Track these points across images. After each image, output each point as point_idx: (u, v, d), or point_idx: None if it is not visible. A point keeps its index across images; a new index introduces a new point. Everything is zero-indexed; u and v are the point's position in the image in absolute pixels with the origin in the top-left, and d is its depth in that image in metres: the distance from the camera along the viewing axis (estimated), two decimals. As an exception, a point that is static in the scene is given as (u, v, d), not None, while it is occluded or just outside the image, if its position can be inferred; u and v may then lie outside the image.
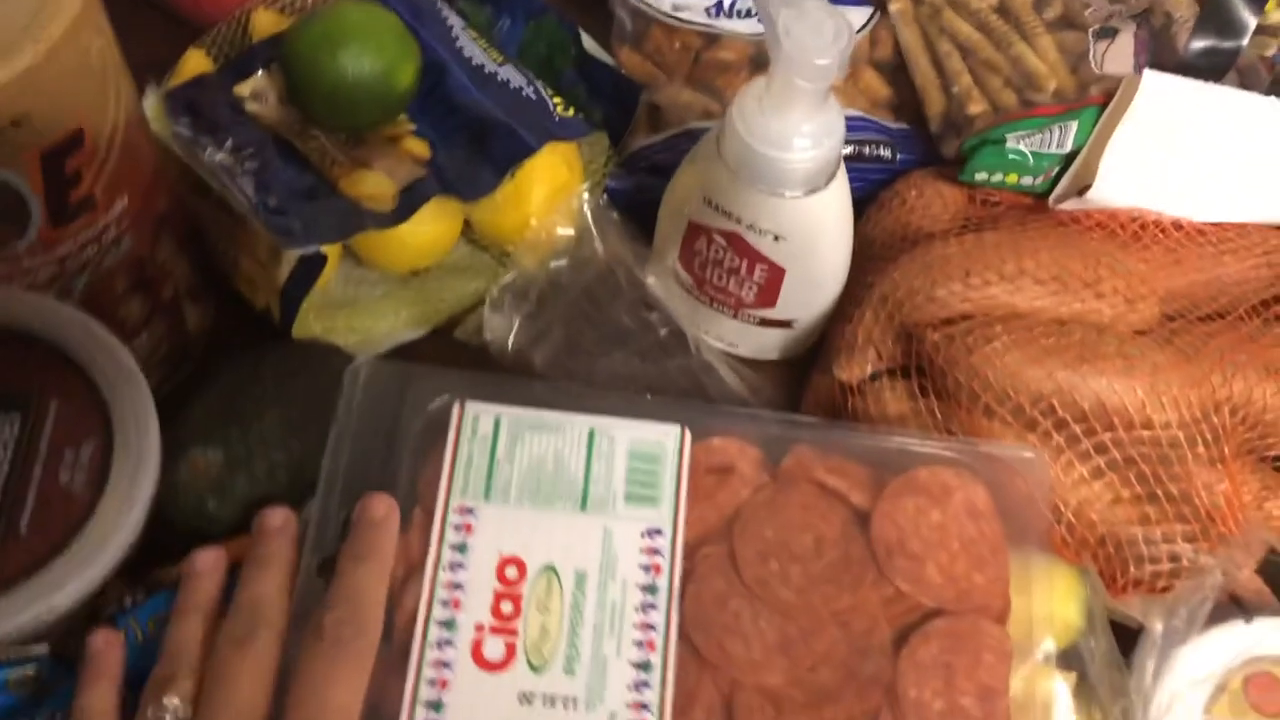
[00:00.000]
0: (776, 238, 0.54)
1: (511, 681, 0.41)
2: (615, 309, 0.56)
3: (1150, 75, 0.55)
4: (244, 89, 0.61)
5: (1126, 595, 0.50)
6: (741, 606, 0.45)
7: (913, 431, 0.51)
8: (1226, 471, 0.52)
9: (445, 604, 0.42)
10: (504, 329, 0.56)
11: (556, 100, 0.61)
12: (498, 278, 0.61)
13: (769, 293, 0.57)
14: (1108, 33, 0.61)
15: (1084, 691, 0.48)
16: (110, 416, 0.45)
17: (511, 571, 0.43)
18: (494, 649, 0.42)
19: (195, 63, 0.62)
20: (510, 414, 0.46)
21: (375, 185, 0.57)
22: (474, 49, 0.62)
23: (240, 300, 0.60)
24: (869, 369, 0.55)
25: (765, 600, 0.45)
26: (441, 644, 0.42)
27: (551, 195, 0.60)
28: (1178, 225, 0.58)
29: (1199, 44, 0.58)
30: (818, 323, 0.60)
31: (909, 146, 0.63)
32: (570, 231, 0.59)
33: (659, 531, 0.45)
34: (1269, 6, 0.64)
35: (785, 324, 0.59)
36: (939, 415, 0.53)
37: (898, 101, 0.65)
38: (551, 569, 0.44)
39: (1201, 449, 0.51)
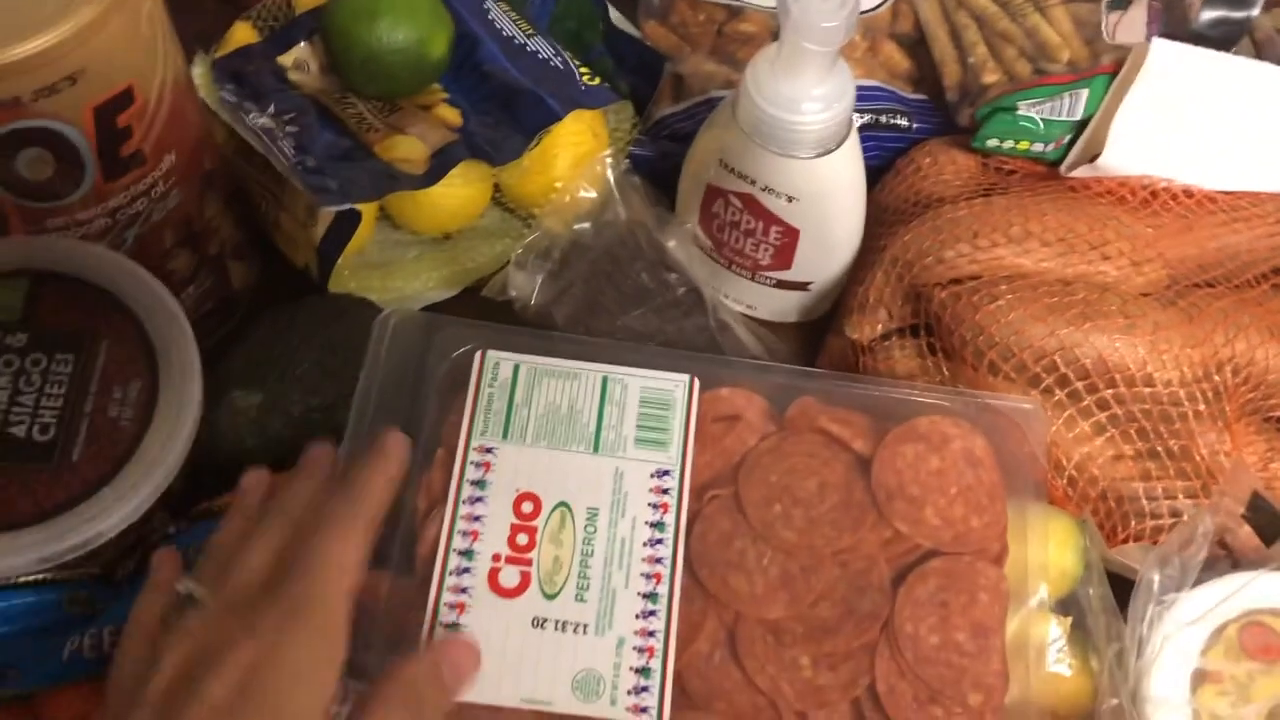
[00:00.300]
0: (790, 199, 0.56)
1: (526, 607, 0.44)
2: (635, 270, 0.59)
3: (1159, 43, 0.57)
4: (287, 59, 0.64)
5: (1124, 546, 0.51)
6: (746, 545, 0.47)
7: (915, 384, 0.53)
8: (1229, 431, 0.53)
9: (465, 535, 0.45)
10: (528, 287, 0.58)
11: (583, 70, 0.63)
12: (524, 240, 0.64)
13: (785, 254, 0.59)
14: (1121, 4, 0.62)
15: (1079, 636, 0.49)
16: (156, 358, 0.48)
17: (527, 506, 0.46)
18: (509, 577, 0.44)
19: (242, 34, 0.65)
20: (529, 362, 0.49)
21: (409, 149, 0.59)
22: (505, 21, 0.65)
23: (282, 259, 0.63)
24: (880, 328, 0.57)
25: (769, 540, 0.47)
26: (460, 571, 0.44)
27: (577, 161, 0.62)
28: (1188, 192, 0.59)
29: (1209, 14, 0.59)
30: (833, 285, 0.61)
31: (926, 116, 0.65)
32: (594, 195, 0.61)
33: (667, 472, 0.47)
34: (1286, -21, 0.65)
35: (802, 286, 0.61)
36: (946, 373, 0.55)
37: (917, 74, 0.67)
38: (565, 505, 0.46)
39: (1203, 407, 0.52)
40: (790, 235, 0.58)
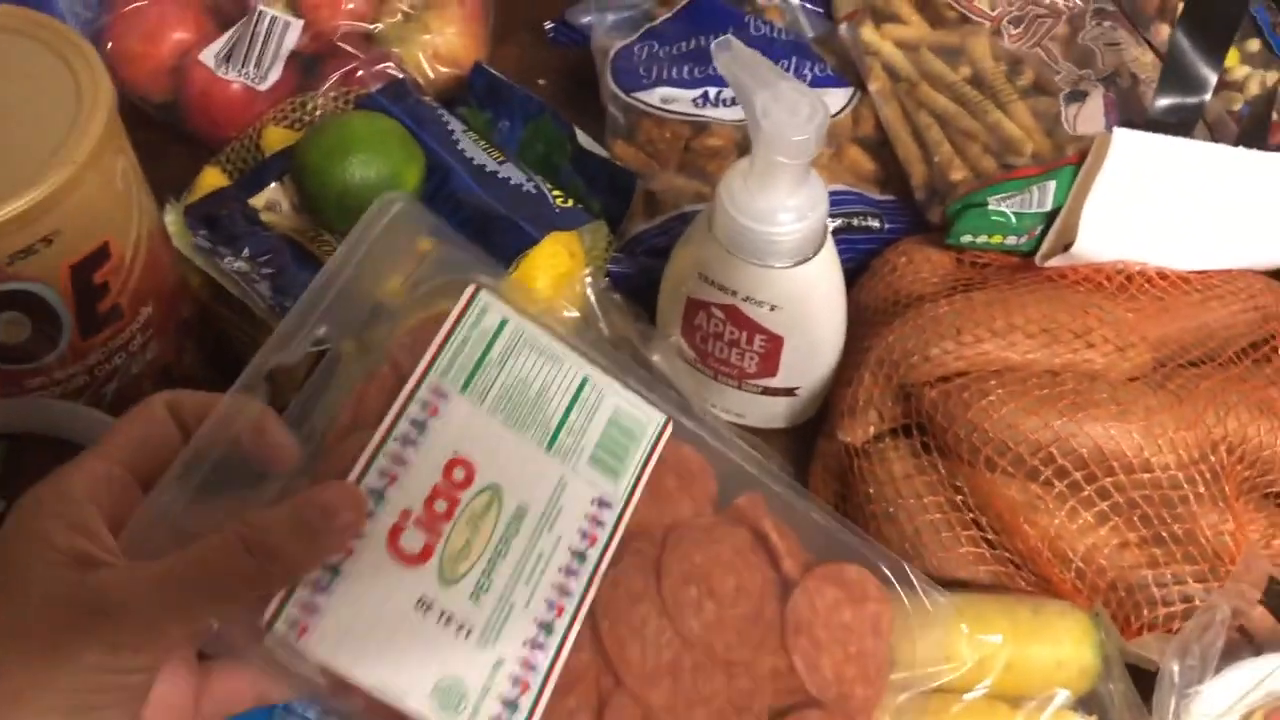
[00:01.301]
0: (772, 307, 0.56)
1: (417, 582, 0.38)
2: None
3: (1121, 132, 0.58)
4: (258, 200, 0.64)
5: (1140, 637, 0.50)
6: (650, 614, 0.43)
7: (861, 533, 0.49)
8: (1230, 511, 0.53)
9: (382, 474, 0.39)
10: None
11: (556, 193, 0.64)
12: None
13: (770, 361, 0.59)
14: (1078, 96, 0.63)
15: (1105, 734, 0.48)
16: None
17: (459, 473, 0.40)
18: (412, 541, 0.39)
19: (211, 178, 0.66)
20: (517, 322, 0.44)
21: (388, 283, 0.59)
22: (475, 150, 0.65)
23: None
24: (872, 430, 0.57)
25: (674, 620, 0.43)
26: None
27: (556, 282, 0.62)
28: (1162, 275, 0.59)
29: (1164, 101, 0.60)
30: (820, 389, 0.61)
31: (896, 216, 0.66)
32: (576, 314, 0.61)
33: (608, 505, 0.43)
34: (1231, 62, 0.67)
35: (788, 392, 0.61)
36: (943, 471, 0.55)
37: (883, 175, 0.68)
38: (497, 490, 0.41)
39: (1202, 489, 0.52)
40: (774, 342, 0.58)
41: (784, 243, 0.54)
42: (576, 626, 0.40)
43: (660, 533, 0.44)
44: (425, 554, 0.39)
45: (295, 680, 0.37)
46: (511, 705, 0.38)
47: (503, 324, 0.43)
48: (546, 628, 0.40)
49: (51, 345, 0.48)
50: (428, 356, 0.41)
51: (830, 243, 0.56)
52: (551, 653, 0.40)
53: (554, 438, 0.43)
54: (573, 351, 0.44)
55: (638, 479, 0.44)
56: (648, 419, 0.45)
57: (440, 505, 0.39)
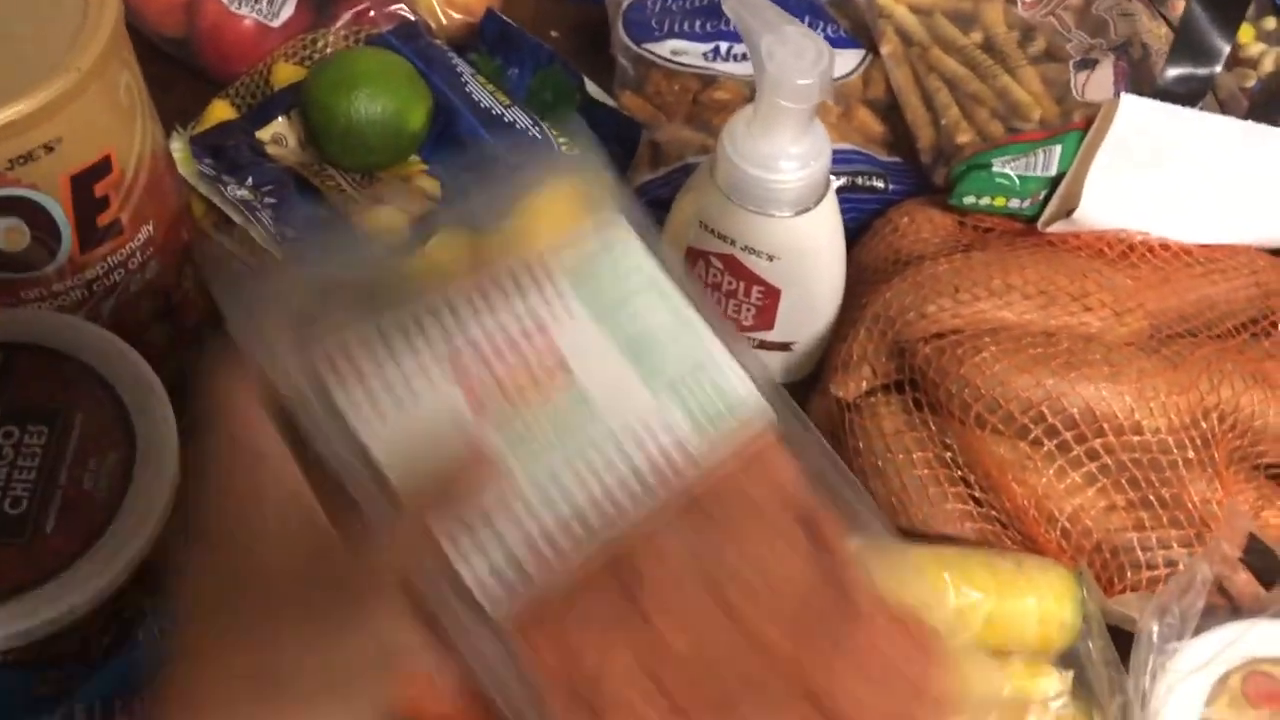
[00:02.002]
0: (771, 258, 0.56)
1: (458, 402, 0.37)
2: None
3: (1128, 99, 0.58)
4: (265, 133, 0.65)
5: (1122, 596, 0.51)
6: (693, 578, 0.38)
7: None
8: (1219, 479, 0.53)
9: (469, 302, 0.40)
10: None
11: (561, 140, 0.64)
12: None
13: (766, 314, 0.59)
14: (1088, 64, 0.63)
15: (1082, 690, 0.48)
16: (134, 429, 0.47)
17: (539, 341, 0.40)
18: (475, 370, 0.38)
19: (220, 111, 0.66)
20: (652, 271, 0.43)
21: (389, 219, 0.59)
22: (483, 93, 0.65)
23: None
24: (864, 385, 0.57)
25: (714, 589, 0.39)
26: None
27: (558, 229, 0.62)
28: (1164, 245, 0.59)
29: (1174, 71, 0.60)
30: (816, 345, 0.61)
31: (901, 178, 0.66)
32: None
33: (687, 452, 0.40)
34: (1246, 39, 0.67)
35: (784, 346, 0.61)
36: (933, 428, 0.55)
37: (891, 138, 0.68)
38: (573, 379, 0.39)
39: (1192, 454, 0.52)
40: (772, 295, 0.58)
41: (785, 190, 0.54)
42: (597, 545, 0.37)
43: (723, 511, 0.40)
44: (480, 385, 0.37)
45: None
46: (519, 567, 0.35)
47: (638, 266, 0.43)
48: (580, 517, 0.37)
49: (50, 256, 0.48)
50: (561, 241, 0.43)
51: (832, 195, 0.56)
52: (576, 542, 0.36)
53: (658, 378, 0.40)
54: (699, 318, 0.42)
55: (724, 450, 0.40)
56: (753, 402, 0.41)
57: (512, 359, 0.38)
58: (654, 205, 0.65)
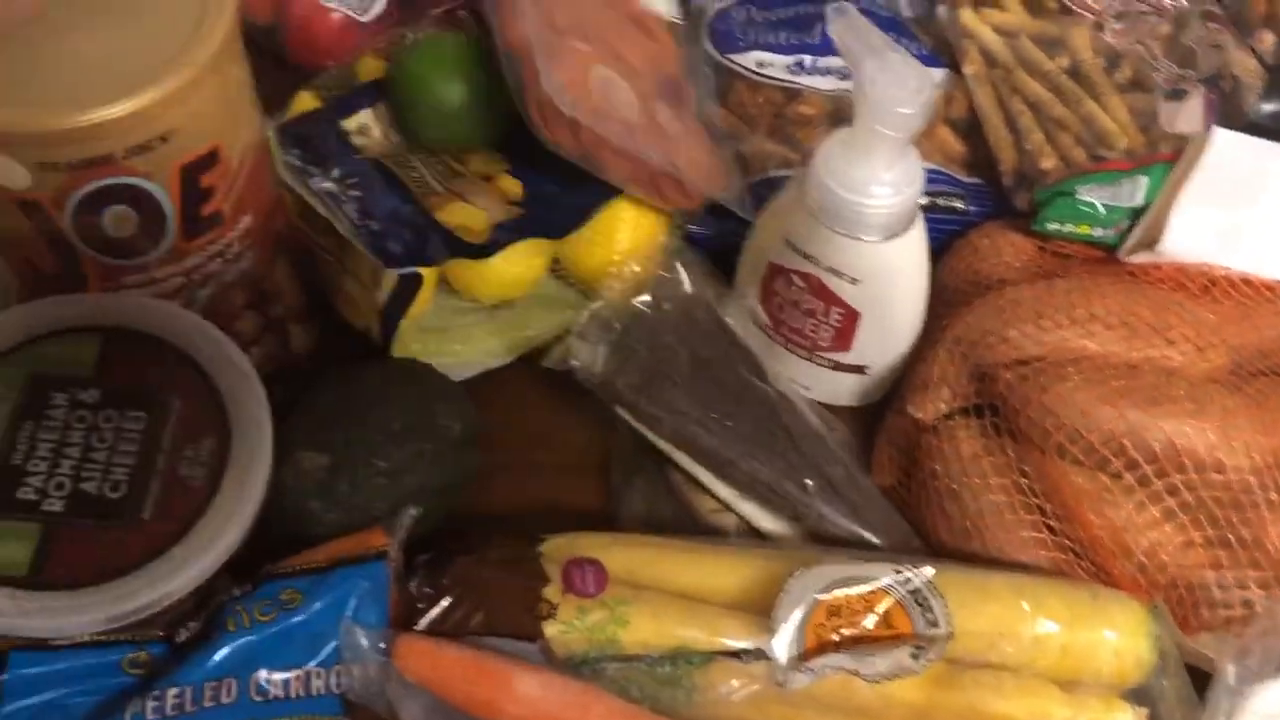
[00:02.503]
0: (854, 281, 0.56)
1: None
2: (697, 343, 0.59)
3: (1221, 133, 0.58)
4: (350, 123, 0.65)
5: (1198, 635, 0.51)
6: None
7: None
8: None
9: None
10: (590, 357, 0.58)
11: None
12: (581, 311, 0.64)
13: (844, 336, 0.59)
14: (1177, 94, 0.63)
15: (1155, 728, 0.49)
16: (228, 417, 0.48)
17: None
18: None
19: (305, 102, 0.66)
20: None
21: (470, 217, 0.60)
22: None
23: (336, 324, 0.63)
24: (943, 407, 0.57)
25: None
26: None
27: (637, 236, 0.63)
28: (1247, 281, 0.59)
29: (1269, 106, 0.60)
30: (891, 370, 0.61)
31: (981, 199, 0.66)
32: (655, 270, 0.62)
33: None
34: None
35: (858, 369, 0.61)
36: (1011, 454, 0.55)
37: (971, 158, 0.68)
38: None
39: (1274, 495, 0.52)
40: (851, 318, 0.58)
41: (874, 216, 0.54)
42: None
43: None
44: None
45: None
46: None
47: None
48: None
49: (154, 244, 0.49)
50: None
51: (920, 223, 0.56)
52: None
53: None
54: None
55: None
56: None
57: None
58: (734, 217, 0.65)
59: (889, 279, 0.57)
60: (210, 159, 0.48)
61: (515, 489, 0.60)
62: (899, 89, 0.50)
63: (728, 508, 0.56)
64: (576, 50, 0.60)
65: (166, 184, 0.47)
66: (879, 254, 0.55)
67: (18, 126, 0.43)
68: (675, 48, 0.66)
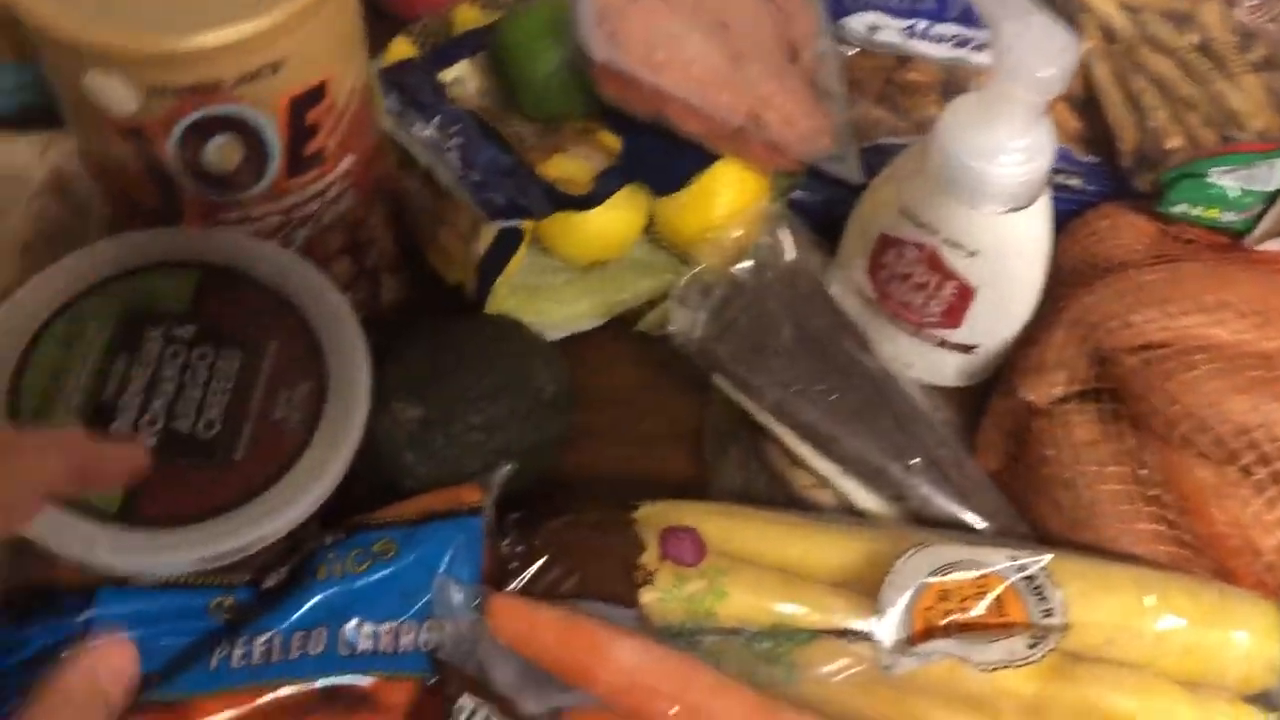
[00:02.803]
0: (972, 254, 0.54)
1: None
2: (801, 313, 0.56)
3: (1367, 117, 0.55)
4: (447, 75, 0.63)
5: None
6: None
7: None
8: None
9: None
10: (689, 322, 0.56)
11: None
12: (676, 276, 0.62)
13: (956, 313, 0.57)
14: (1316, 76, 0.60)
15: (1282, 734, 0.46)
16: (325, 361, 0.47)
17: None
18: None
19: (401, 48, 0.65)
20: None
21: (572, 169, 0.58)
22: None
23: (425, 277, 0.61)
24: (1058, 390, 0.54)
25: None
26: None
27: (739, 200, 0.61)
28: (1381, 274, 0.56)
29: None
30: (1000, 351, 0.59)
31: (1097, 179, 0.63)
32: (756, 236, 0.59)
33: None
34: None
35: (966, 348, 0.59)
36: (1129, 442, 0.52)
37: (1088, 135, 0.65)
38: None
39: None
40: (966, 293, 0.55)
41: (1001, 185, 0.51)
42: None
43: None
44: None
45: None
46: None
47: None
48: None
49: (256, 179, 0.47)
50: None
51: (1047, 197, 0.54)
52: None
53: None
54: None
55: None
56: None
57: None
58: (839, 183, 0.63)
59: (1010, 254, 0.54)
60: (318, 93, 0.46)
61: (603, 454, 0.58)
62: (1041, 51, 0.47)
63: (826, 484, 0.54)
64: (646, 7, 0.58)
65: (273, 116, 0.45)
66: (1001, 227, 0.53)
67: (130, 46, 0.41)
68: (806, 9, 0.64)
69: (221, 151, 0.45)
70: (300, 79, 0.45)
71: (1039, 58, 0.47)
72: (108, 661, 0.40)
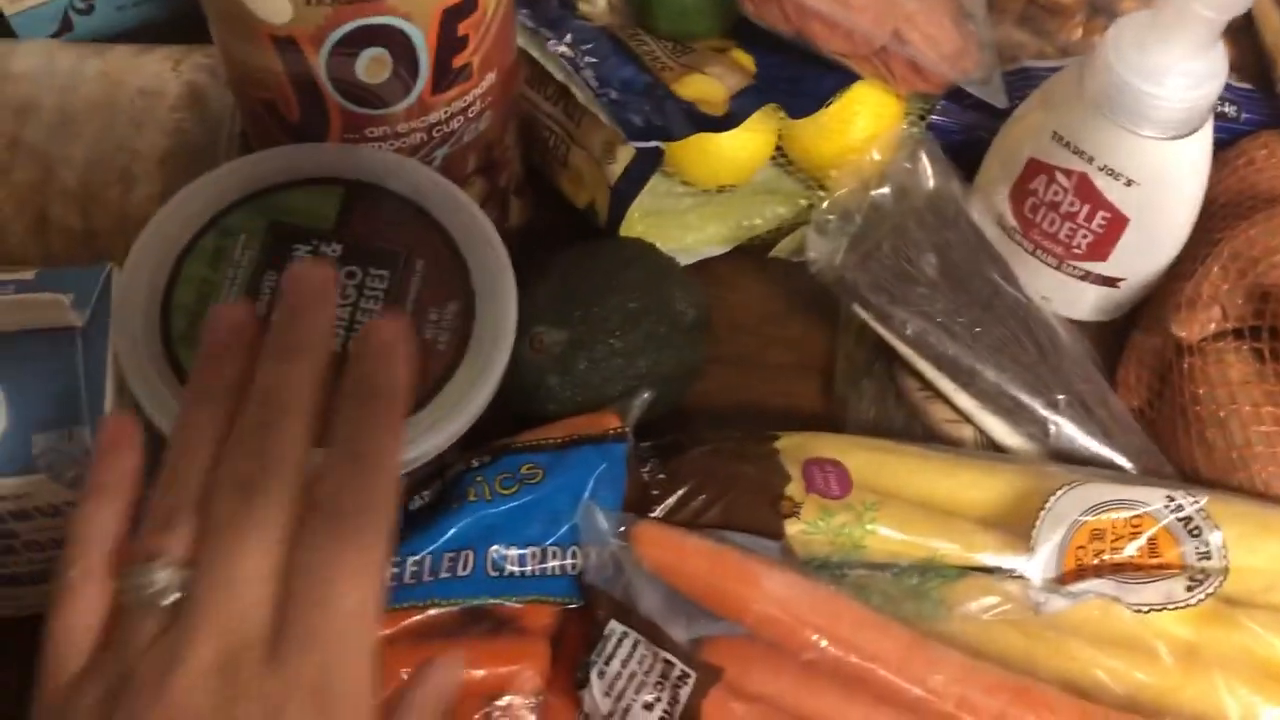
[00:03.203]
0: (1129, 182, 0.52)
1: None
2: (944, 242, 0.55)
3: None
4: (575, -9, 0.61)
5: None
6: None
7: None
8: None
9: None
10: (828, 250, 0.55)
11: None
12: (808, 201, 0.61)
13: (1104, 244, 0.55)
14: None
15: None
16: (472, 282, 0.46)
17: None
18: None
19: (523, -36, 0.63)
20: None
21: (708, 89, 0.56)
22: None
23: (549, 200, 0.60)
24: (1212, 327, 0.52)
25: None
26: None
27: (877, 123, 0.59)
28: None
29: None
30: (1145, 285, 0.57)
31: (1253, 107, 0.60)
32: (895, 161, 0.58)
33: None
34: None
35: (1110, 281, 0.56)
36: (1287, 382, 0.50)
37: (1240, 62, 0.62)
38: None
39: None
40: (1117, 224, 0.53)
41: (1170, 109, 0.49)
42: None
43: None
44: None
45: None
46: None
47: None
48: None
49: (404, 93, 0.46)
50: None
51: (1209, 126, 0.51)
52: None
53: None
54: None
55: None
56: None
57: None
58: (978, 108, 0.60)
59: (1170, 183, 0.52)
60: (471, 4, 0.45)
61: (734, 385, 0.57)
62: (1226, -34, 0.45)
63: (967, 419, 0.53)
64: None
65: (426, 27, 0.44)
66: (1163, 153, 0.50)
67: (290, -47, 0.40)
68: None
69: (372, 64, 0.44)
70: (455, -12, 0.44)
71: (1223, -27, 0.45)
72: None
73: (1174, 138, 0.50)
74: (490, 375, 0.44)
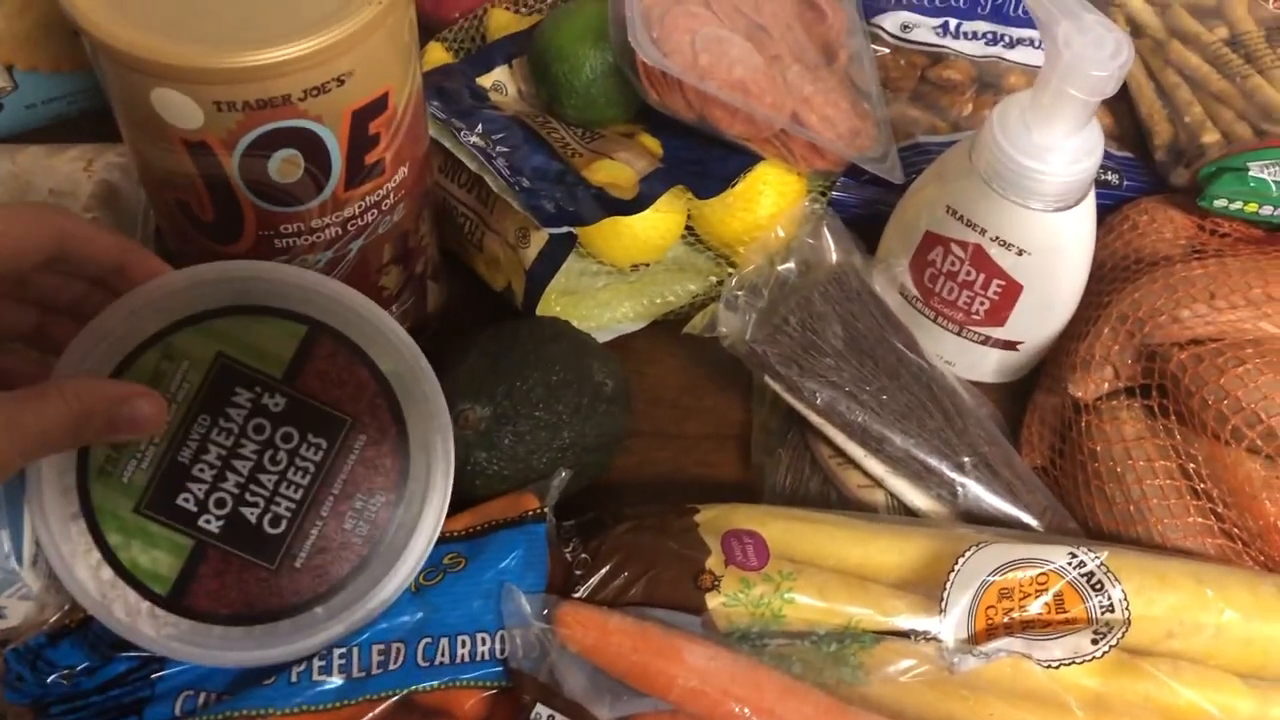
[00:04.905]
0: (1021, 252, 0.54)
1: None
2: (849, 313, 0.57)
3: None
4: (485, 80, 0.63)
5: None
6: None
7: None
8: None
9: None
10: (739, 325, 0.57)
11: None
12: (718, 277, 0.63)
13: (1001, 310, 0.57)
14: (1350, 70, 0.61)
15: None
16: (409, 471, 0.45)
17: None
18: None
19: (436, 54, 0.65)
20: None
21: (617, 173, 0.58)
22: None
23: (466, 282, 0.61)
24: (1105, 386, 0.55)
25: None
26: None
27: (780, 201, 0.61)
28: None
29: None
30: (1041, 347, 0.59)
31: (1134, 174, 0.64)
32: (798, 236, 0.60)
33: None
34: None
35: (1009, 345, 0.59)
36: (1178, 437, 0.53)
37: (1119, 131, 0.66)
38: None
39: None
40: (1012, 290, 0.56)
41: (1052, 184, 0.52)
42: None
43: None
44: None
45: None
46: None
47: None
48: None
49: (317, 191, 0.47)
50: None
51: (1091, 196, 0.54)
52: None
53: None
54: None
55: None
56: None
57: None
58: (877, 183, 0.63)
59: (1059, 251, 0.54)
60: (380, 104, 0.46)
61: (655, 457, 0.58)
62: (1096, 50, 0.48)
63: (878, 484, 0.55)
64: (689, 10, 0.58)
65: (337, 128, 0.45)
66: (1051, 225, 0.53)
67: (199, 63, 0.41)
68: (840, 10, 0.64)
69: (283, 165, 0.45)
70: (364, 90, 0.45)
71: (1094, 59, 0.48)
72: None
73: (1060, 209, 0.53)
74: (396, 577, 0.45)
